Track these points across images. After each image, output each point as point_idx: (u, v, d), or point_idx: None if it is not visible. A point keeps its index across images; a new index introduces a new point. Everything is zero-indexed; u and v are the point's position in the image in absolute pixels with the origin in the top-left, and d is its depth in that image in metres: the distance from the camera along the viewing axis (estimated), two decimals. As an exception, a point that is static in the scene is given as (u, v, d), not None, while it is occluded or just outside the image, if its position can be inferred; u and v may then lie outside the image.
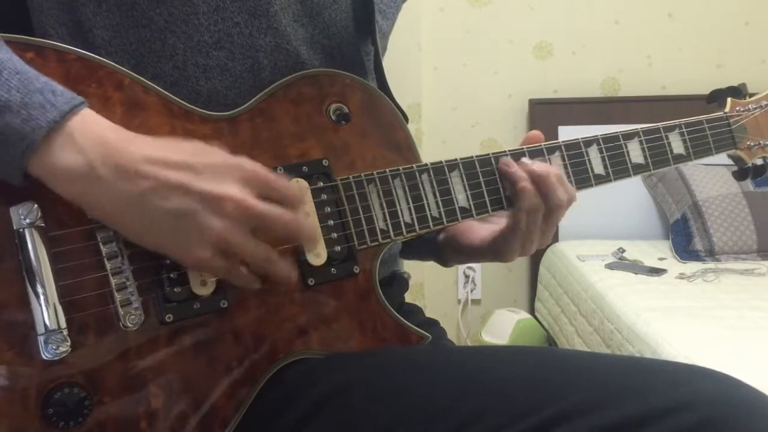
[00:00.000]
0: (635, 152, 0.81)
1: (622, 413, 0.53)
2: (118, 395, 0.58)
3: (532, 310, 2.83)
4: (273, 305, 0.65)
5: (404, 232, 0.70)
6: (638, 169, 0.81)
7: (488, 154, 0.74)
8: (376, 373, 0.63)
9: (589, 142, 0.79)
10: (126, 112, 0.61)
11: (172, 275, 0.60)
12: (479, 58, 2.86)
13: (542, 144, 0.77)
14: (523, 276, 2.98)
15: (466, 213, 0.73)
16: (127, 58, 0.66)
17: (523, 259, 2.93)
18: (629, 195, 2.71)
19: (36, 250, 0.55)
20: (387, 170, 0.70)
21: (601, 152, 0.79)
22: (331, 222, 0.67)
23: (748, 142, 0.89)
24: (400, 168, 0.71)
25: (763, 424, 0.52)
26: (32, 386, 0.55)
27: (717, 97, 0.91)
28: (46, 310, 0.54)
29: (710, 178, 2.56)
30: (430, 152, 2.75)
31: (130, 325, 0.58)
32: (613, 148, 0.80)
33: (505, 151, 0.75)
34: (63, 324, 0.55)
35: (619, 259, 2.43)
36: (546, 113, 2.79)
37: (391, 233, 0.70)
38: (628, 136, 0.81)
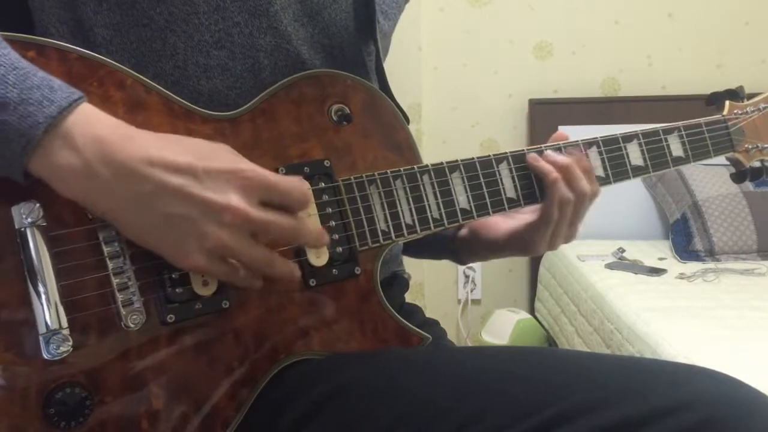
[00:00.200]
0: (634, 154, 0.81)
1: (623, 413, 0.53)
2: (120, 395, 0.58)
3: (532, 310, 2.83)
4: (274, 306, 0.65)
5: (405, 233, 0.70)
6: (637, 171, 0.81)
7: (489, 156, 0.75)
8: (376, 373, 0.63)
9: (588, 144, 0.79)
10: (127, 112, 0.61)
11: (173, 275, 0.60)
12: (479, 58, 2.86)
13: (542, 146, 0.78)
14: (523, 276, 2.98)
15: (467, 214, 0.73)
16: (128, 57, 0.66)
17: (523, 259, 2.94)
18: (629, 195, 2.71)
19: (37, 249, 0.55)
20: (388, 171, 0.70)
21: (600, 154, 0.80)
22: (333, 223, 0.67)
23: (746, 145, 0.90)
24: (402, 169, 0.71)
25: (763, 424, 0.52)
26: (33, 386, 0.55)
27: (715, 100, 0.91)
28: (48, 310, 0.54)
29: (710, 178, 2.56)
30: (430, 152, 2.75)
31: (131, 325, 0.58)
32: (612, 150, 0.80)
33: (505, 153, 0.75)
34: (64, 324, 0.55)
35: (619, 259, 2.43)
36: (546, 113, 2.79)
37: (392, 234, 0.70)
38: (628, 138, 0.81)
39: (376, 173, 0.70)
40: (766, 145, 0.91)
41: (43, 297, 0.54)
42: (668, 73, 2.83)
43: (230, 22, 0.68)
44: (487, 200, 0.74)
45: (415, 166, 0.71)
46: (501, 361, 0.63)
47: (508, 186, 0.75)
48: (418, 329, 0.71)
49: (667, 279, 2.19)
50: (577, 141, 0.79)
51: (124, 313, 0.58)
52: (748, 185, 2.49)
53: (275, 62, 0.70)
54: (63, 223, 0.57)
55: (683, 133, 0.84)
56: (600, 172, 0.79)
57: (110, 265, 0.58)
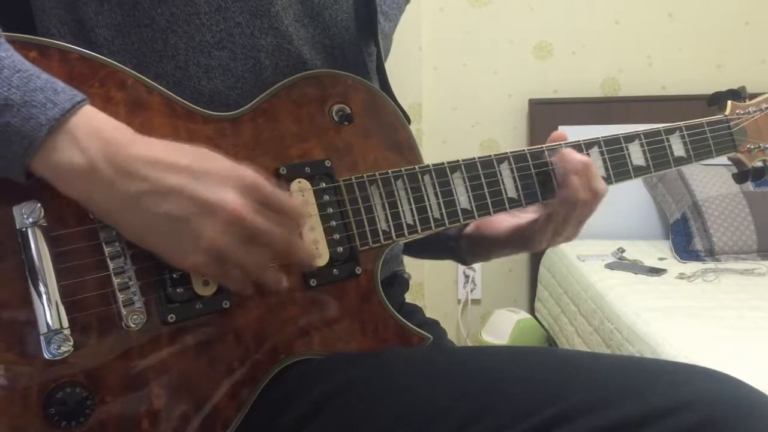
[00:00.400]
0: (636, 154, 0.81)
1: (623, 413, 0.53)
2: (120, 395, 0.58)
3: (532, 310, 2.83)
4: (275, 306, 0.65)
5: (406, 234, 0.70)
6: (639, 171, 0.81)
7: (490, 156, 0.75)
8: (376, 373, 0.63)
9: (590, 145, 0.79)
10: (129, 112, 0.61)
11: (174, 275, 0.60)
12: (479, 58, 2.86)
13: (543, 146, 0.78)
14: (523, 276, 2.98)
15: (467, 214, 0.73)
16: (129, 57, 0.66)
17: (523, 259, 2.94)
18: (629, 195, 2.71)
19: (38, 249, 0.55)
20: (389, 171, 0.70)
21: (602, 154, 0.80)
22: (334, 223, 0.68)
23: (748, 145, 0.90)
24: (403, 169, 0.71)
25: (763, 424, 0.52)
26: (34, 386, 0.55)
27: (717, 100, 0.91)
28: (49, 310, 0.55)
29: (710, 177, 2.56)
30: (430, 152, 2.75)
31: (132, 325, 0.58)
32: (614, 150, 0.80)
33: (506, 153, 0.75)
34: (65, 324, 0.55)
35: (619, 259, 2.43)
36: (546, 113, 2.79)
37: (393, 234, 0.70)
38: (629, 138, 0.81)
39: (377, 173, 0.70)
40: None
41: (44, 297, 0.55)
42: (668, 73, 2.83)
43: (231, 22, 0.68)
44: (488, 200, 0.74)
45: (416, 166, 0.71)
46: (501, 361, 0.63)
47: (510, 186, 0.75)
48: (418, 329, 0.71)
49: (667, 279, 2.19)
50: (579, 141, 0.79)
51: (124, 313, 0.58)
52: (749, 185, 2.49)
53: (276, 63, 0.71)
54: (64, 223, 0.57)
55: (685, 133, 0.85)
56: (601, 172, 0.79)
57: (111, 265, 0.58)
